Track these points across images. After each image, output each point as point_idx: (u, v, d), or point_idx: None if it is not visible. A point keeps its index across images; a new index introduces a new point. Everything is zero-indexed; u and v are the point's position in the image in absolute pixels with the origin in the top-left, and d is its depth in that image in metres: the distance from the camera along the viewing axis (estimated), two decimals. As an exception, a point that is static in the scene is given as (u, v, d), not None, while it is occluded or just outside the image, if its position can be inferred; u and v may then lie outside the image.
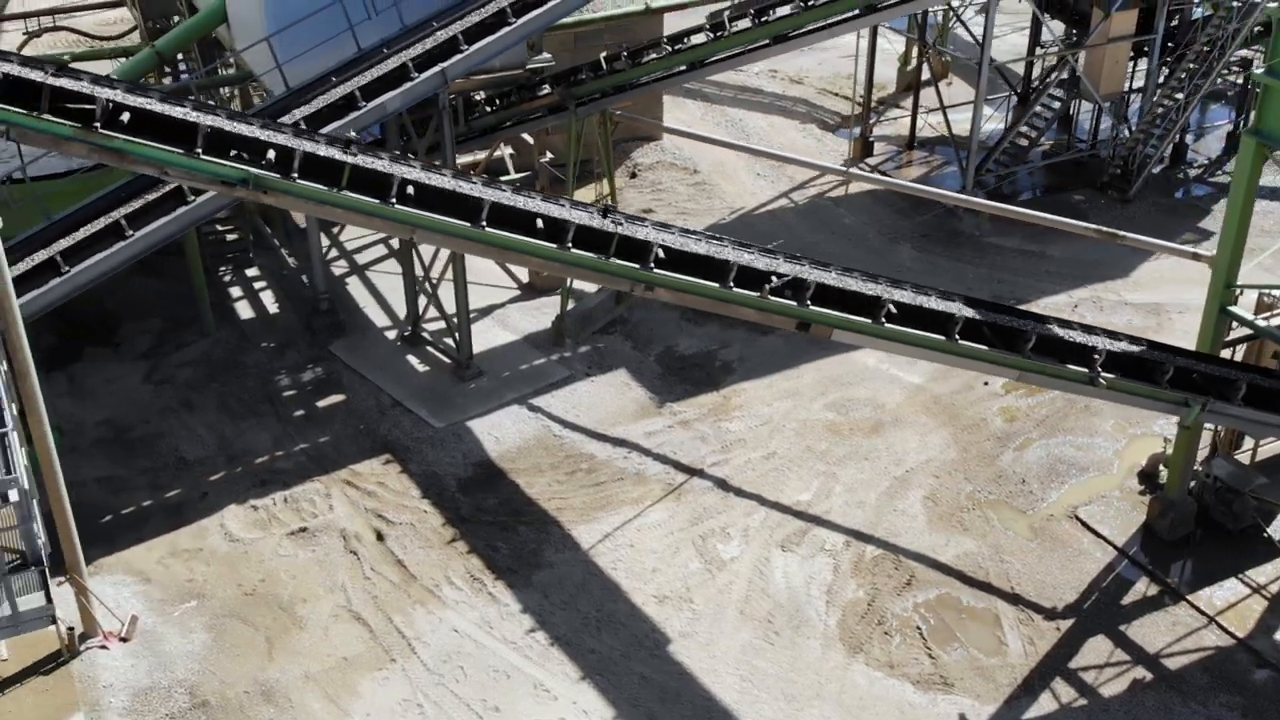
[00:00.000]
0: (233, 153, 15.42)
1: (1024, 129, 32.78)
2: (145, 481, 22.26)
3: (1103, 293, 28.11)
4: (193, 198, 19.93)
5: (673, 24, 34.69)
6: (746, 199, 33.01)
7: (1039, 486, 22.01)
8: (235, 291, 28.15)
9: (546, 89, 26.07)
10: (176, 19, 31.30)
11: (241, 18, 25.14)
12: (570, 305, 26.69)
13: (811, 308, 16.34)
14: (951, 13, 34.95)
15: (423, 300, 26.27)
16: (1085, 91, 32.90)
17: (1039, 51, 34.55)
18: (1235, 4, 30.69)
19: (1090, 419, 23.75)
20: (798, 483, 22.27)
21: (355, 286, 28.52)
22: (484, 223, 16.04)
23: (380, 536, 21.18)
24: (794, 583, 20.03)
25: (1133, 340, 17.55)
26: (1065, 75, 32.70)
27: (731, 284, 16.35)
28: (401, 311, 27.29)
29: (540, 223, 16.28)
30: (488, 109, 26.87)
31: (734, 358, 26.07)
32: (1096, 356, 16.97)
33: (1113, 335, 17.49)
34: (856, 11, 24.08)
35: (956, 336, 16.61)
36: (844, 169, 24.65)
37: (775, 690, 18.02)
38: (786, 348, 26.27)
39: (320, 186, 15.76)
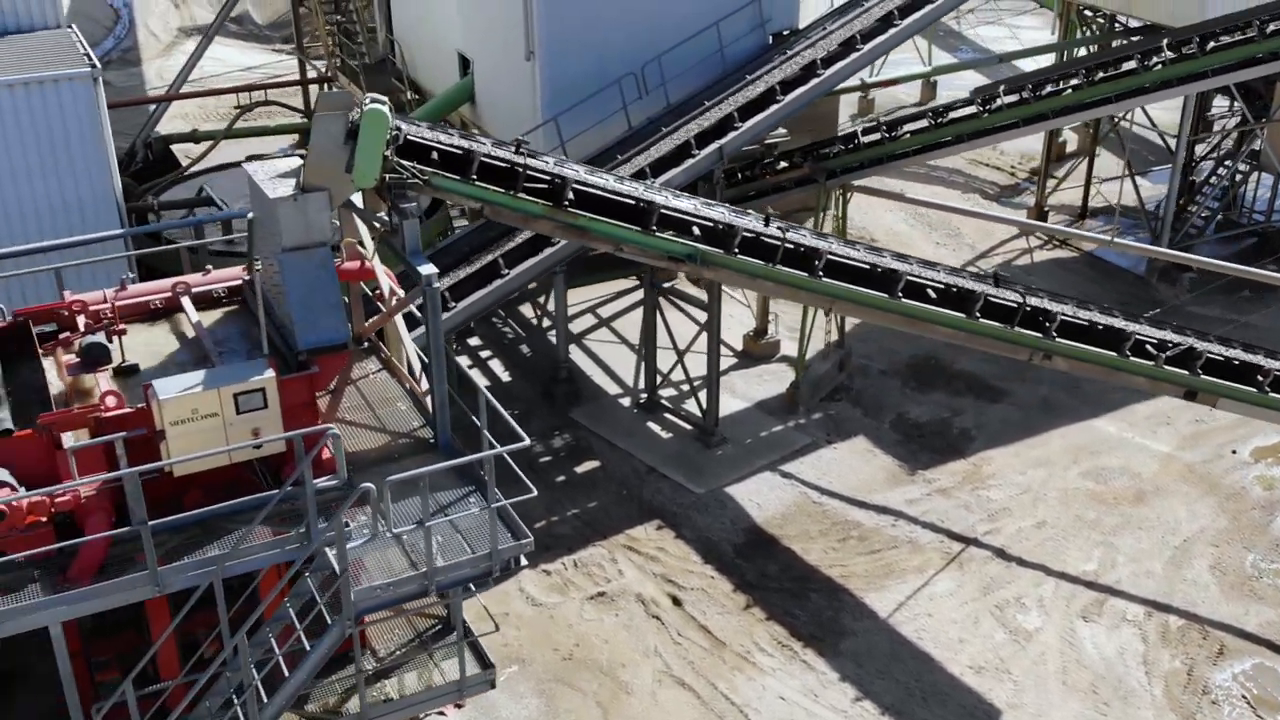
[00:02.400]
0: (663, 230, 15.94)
1: (1199, 201, 33.33)
2: (433, 547, 22.47)
3: (1319, 362, 28.35)
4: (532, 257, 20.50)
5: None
6: (933, 267, 33.40)
7: (1320, 555, 22.23)
8: (463, 360, 28.54)
9: (785, 163, 26.58)
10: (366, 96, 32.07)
11: (500, 98, 25.76)
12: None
13: (1202, 377, 16.75)
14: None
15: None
16: (1266, 163, 33.45)
17: (1220, 125, 35.11)
18: None
19: (1347, 488, 24.00)
20: (1078, 552, 22.47)
21: (575, 353, 28.90)
22: (900, 295, 16.53)
23: (677, 602, 21.39)
24: (1106, 653, 20.18)
25: None
26: (1245, 148, 33.29)
27: (1128, 353, 16.79)
28: (624, 377, 27.70)
29: (932, 293, 16.79)
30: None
31: (970, 425, 26.36)
32: None
33: None
34: (1144, 86, 24.51)
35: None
36: (1109, 238, 24.98)
37: (1124, 760, 18.17)
38: (1020, 415, 26.60)
39: (759, 262, 16.26)
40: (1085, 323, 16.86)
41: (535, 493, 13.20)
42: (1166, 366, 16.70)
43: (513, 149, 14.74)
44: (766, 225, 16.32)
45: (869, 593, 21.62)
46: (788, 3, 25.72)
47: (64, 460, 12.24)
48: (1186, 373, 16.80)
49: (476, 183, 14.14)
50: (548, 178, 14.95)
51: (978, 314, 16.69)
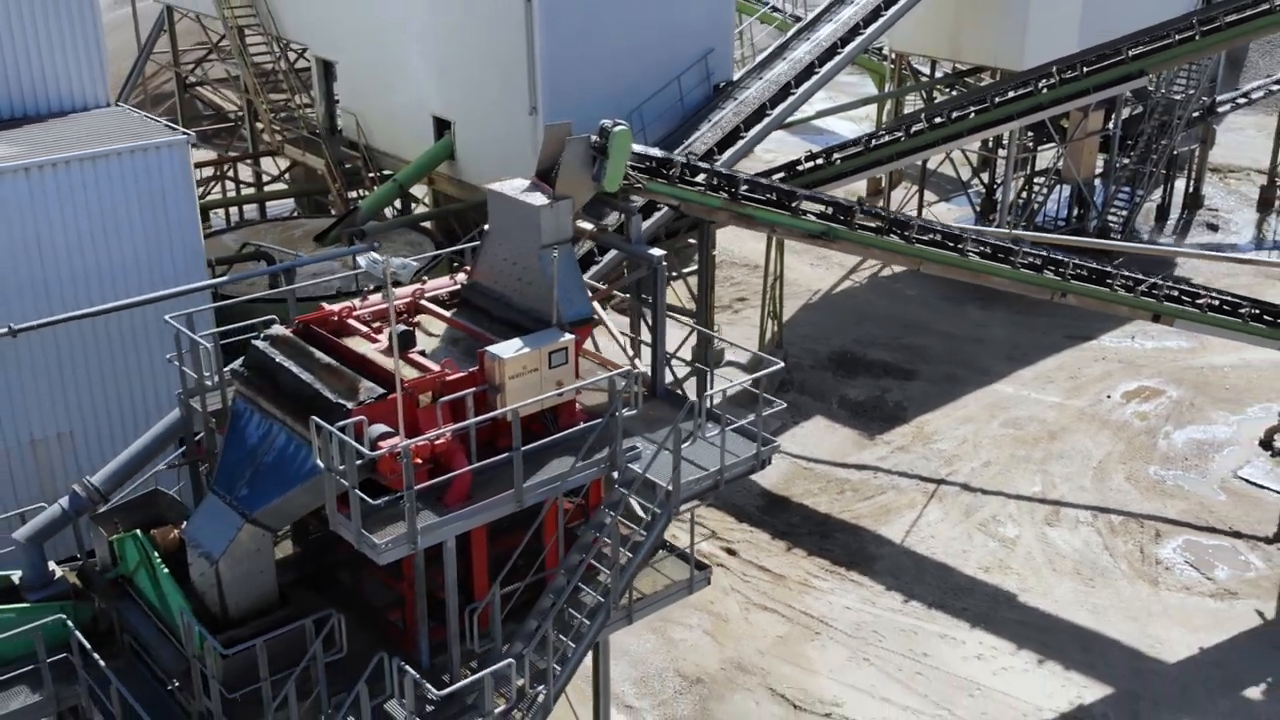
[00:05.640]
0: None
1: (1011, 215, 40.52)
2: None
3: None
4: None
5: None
6: (817, 283, 38.94)
7: (1199, 460, 28.54)
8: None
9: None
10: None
11: (488, 151, 29.38)
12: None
13: (1165, 304, 22.50)
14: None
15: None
16: (1067, 176, 40.94)
17: (1026, 149, 42.43)
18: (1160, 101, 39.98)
19: (1198, 412, 30.62)
20: (1023, 480, 27.96)
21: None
22: (968, 254, 21.50)
23: (731, 552, 25.44)
24: (1075, 546, 25.59)
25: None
26: (1045, 167, 40.74)
27: (1117, 289, 22.36)
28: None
29: (974, 255, 22.05)
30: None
31: (900, 398, 31.69)
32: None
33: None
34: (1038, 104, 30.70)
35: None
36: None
37: (1120, 614, 23.46)
38: (935, 388, 32.17)
39: (872, 234, 20.81)
40: (1085, 271, 22.43)
41: (785, 405, 17.13)
42: (1142, 297, 22.40)
43: (713, 165, 18.83)
44: (862, 207, 21.15)
45: (879, 527, 26.33)
46: (725, 61, 30.63)
47: (425, 415, 15.39)
48: (1155, 301, 22.54)
49: (679, 185, 18.08)
50: (724, 179, 19.10)
51: (1019, 266, 21.98)
